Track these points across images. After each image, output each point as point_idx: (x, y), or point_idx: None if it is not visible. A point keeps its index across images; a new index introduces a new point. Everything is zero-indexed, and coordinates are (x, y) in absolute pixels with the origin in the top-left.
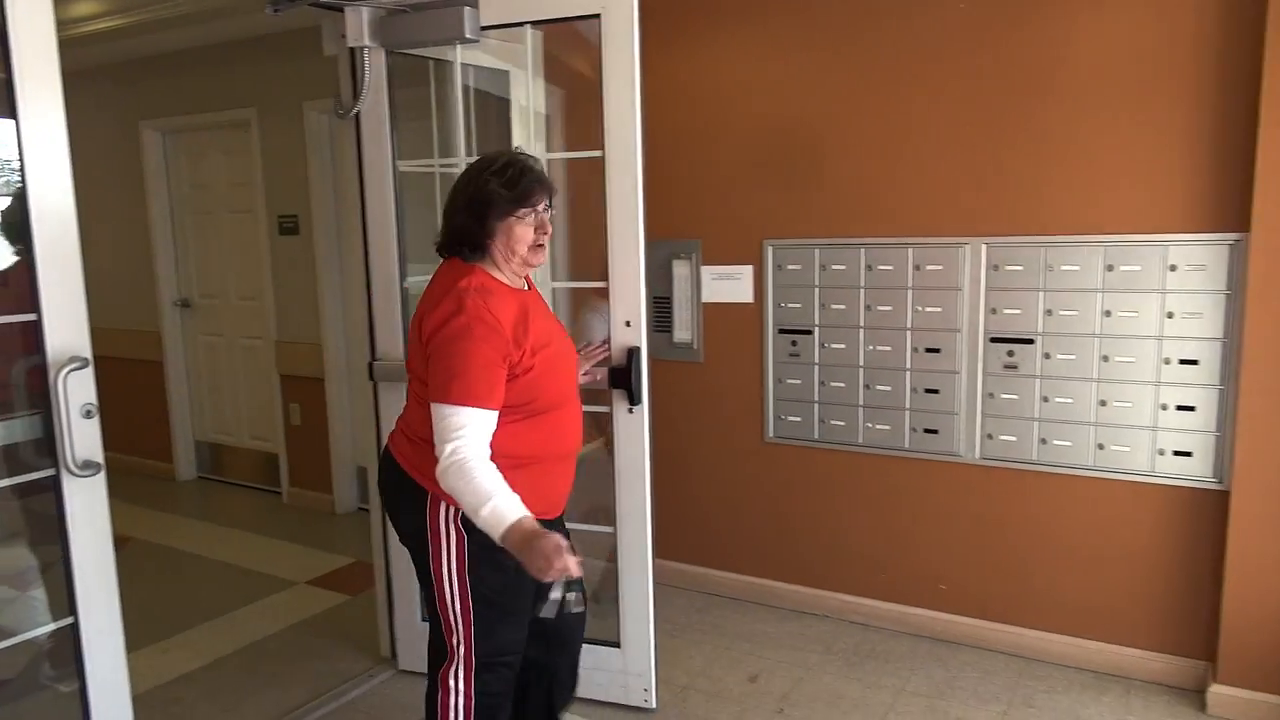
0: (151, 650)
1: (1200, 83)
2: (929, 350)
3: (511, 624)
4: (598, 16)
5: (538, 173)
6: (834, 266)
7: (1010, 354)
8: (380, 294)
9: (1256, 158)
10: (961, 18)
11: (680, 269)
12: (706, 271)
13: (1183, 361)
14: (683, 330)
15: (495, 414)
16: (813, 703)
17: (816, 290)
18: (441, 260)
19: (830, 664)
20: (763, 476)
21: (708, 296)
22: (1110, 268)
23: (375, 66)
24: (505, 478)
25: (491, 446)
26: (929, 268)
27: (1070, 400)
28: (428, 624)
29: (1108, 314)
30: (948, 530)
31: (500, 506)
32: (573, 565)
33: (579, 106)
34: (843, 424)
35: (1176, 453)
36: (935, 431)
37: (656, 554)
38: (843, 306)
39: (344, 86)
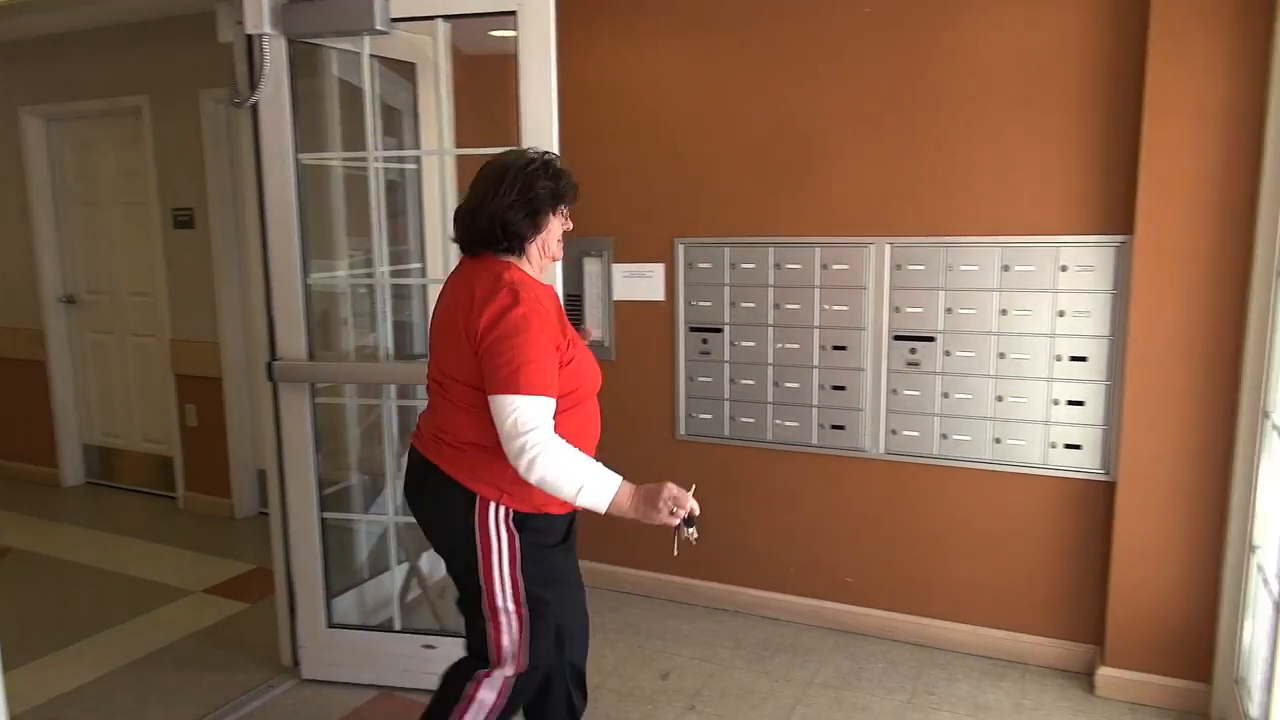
0: (31, 667)
1: (1087, 89)
2: (836, 348)
3: (557, 624)
4: (514, 14)
5: (568, 170)
6: (744, 265)
7: (913, 351)
8: (280, 291)
9: (1139, 162)
10: (866, 21)
11: (591, 267)
12: (618, 269)
13: (1073, 358)
14: (594, 328)
15: (554, 403)
16: (723, 698)
17: (727, 289)
18: (466, 258)
19: (740, 659)
20: (674, 474)
21: (619, 294)
22: (1006, 268)
23: (275, 55)
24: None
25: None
26: (835, 267)
27: (969, 396)
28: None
29: (1004, 312)
30: (854, 524)
31: (601, 480)
32: (694, 502)
33: (484, 102)
34: (752, 421)
35: (1067, 446)
36: (842, 428)
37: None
38: (752, 305)
39: (240, 75)
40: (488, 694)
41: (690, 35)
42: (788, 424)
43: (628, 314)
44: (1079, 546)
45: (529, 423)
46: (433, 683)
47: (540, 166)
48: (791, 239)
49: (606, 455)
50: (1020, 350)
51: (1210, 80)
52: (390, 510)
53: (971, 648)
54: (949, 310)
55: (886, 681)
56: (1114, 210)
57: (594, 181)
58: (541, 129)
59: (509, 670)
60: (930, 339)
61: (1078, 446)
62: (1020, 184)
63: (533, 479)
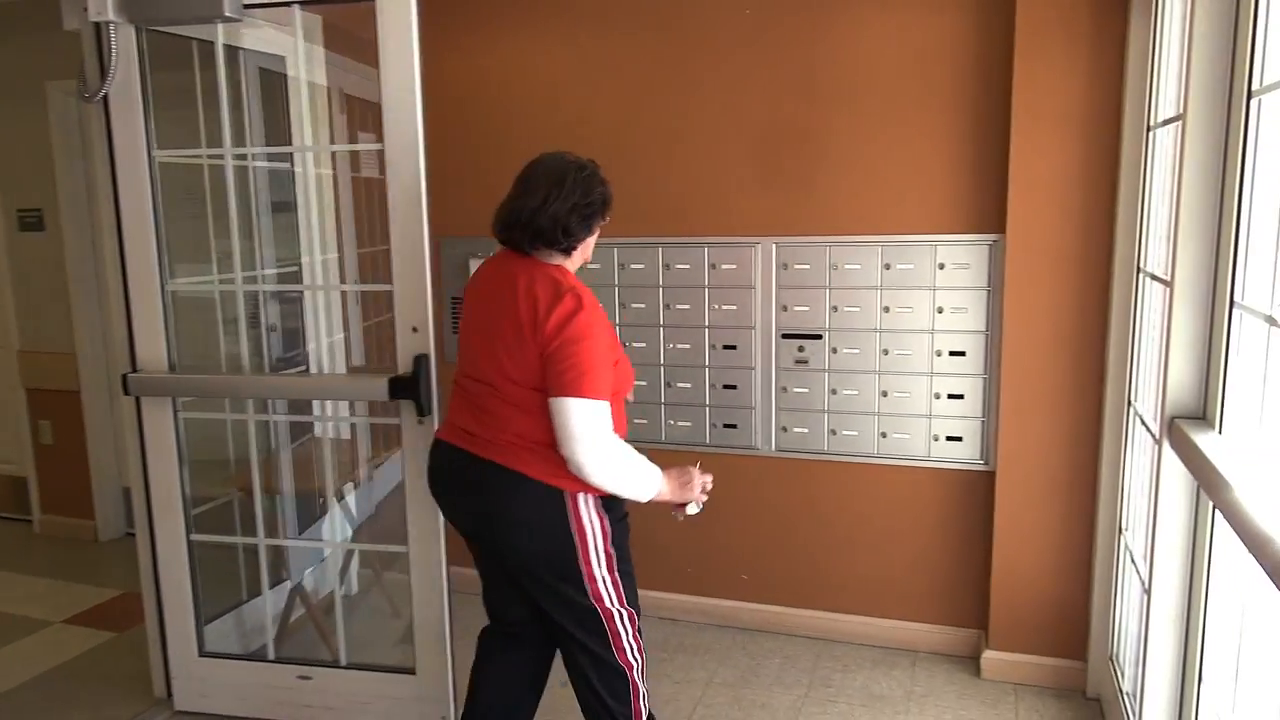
0: None
1: (961, 91)
2: (726, 347)
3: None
4: (372, 1)
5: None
6: (633, 265)
7: (801, 349)
8: (139, 298)
9: (1010, 163)
10: (749, 22)
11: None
12: None
13: (952, 353)
14: None
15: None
16: None
17: (616, 289)
18: (507, 253)
19: None
20: None
21: None
22: (888, 266)
23: (123, 44)
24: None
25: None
26: (724, 266)
27: (856, 392)
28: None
29: (887, 310)
30: (748, 522)
31: (651, 474)
32: (709, 481)
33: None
34: (646, 422)
35: (949, 438)
36: (734, 426)
37: (462, 563)
38: (643, 305)
39: (89, 65)
40: (636, 659)
41: (578, 36)
42: (680, 424)
43: None
44: (963, 535)
45: (597, 424)
46: (309, 716)
47: (592, 172)
48: (681, 239)
49: None
50: (903, 346)
51: (1071, 84)
52: (261, 532)
53: (865, 638)
54: (835, 308)
55: (784, 677)
56: (987, 210)
57: (478, 179)
58: (405, 121)
59: (635, 646)
60: (818, 337)
61: (959, 438)
62: (900, 184)
63: (596, 480)
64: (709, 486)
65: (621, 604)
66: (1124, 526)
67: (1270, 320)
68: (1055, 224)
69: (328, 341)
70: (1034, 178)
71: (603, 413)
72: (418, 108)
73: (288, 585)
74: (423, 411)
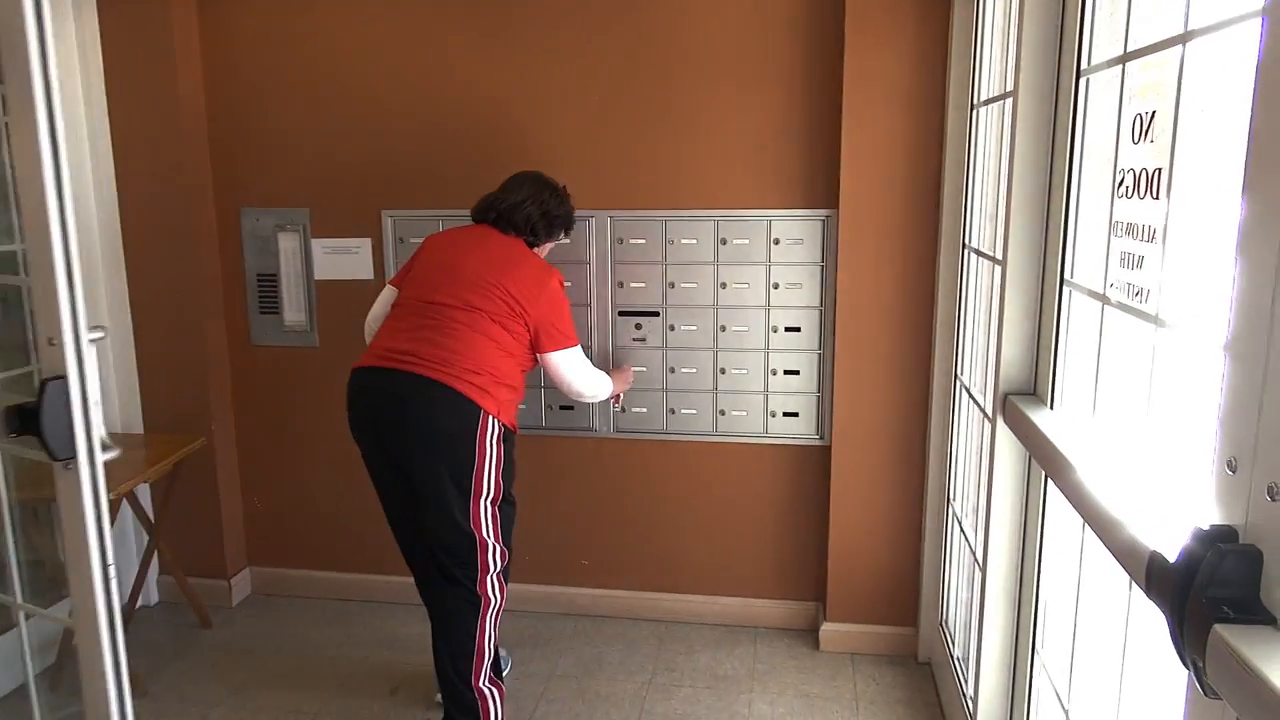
0: None
1: (796, 65)
2: None
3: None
4: None
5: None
6: None
7: (638, 327)
8: None
9: (841, 138)
10: None
11: (287, 242)
12: (318, 245)
13: (788, 329)
14: (294, 311)
15: None
16: None
17: None
18: (488, 226)
19: None
20: None
21: (321, 273)
22: (724, 241)
23: None
24: (509, 400)
25: (514, 380)
26: (559, 241)
27: (694, 370)
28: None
29: (724, 286)
30: (588, 506)
31: (611, 382)
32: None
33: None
34: None
35: (786, 414)
36: (570, 408)
37: (275, 563)
38: None
39: None
40: (493, 589)
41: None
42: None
43: (332, 295)
44: (801, 510)
45: (587, 363)
46: None
47: (564, 196)
48: None
49: (312, 452)
50: (740, 322)
51: (899, 60)
52: None
53: (708, 617)
54: (671, 285)
55: (628, 663)
56: (820, 185)
57: (282, 146)
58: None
59: (499, 559)
60: (655, 314)
61: (795, 414)
62: (735, 158)
63: (589, 398)
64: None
65: (496, 538)
66: (951, 496)
67: (1101, 298)
68: (884, 199)
69: None
70: (864, 153)
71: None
72: (32, 43)
73: None
74: (53, 455)
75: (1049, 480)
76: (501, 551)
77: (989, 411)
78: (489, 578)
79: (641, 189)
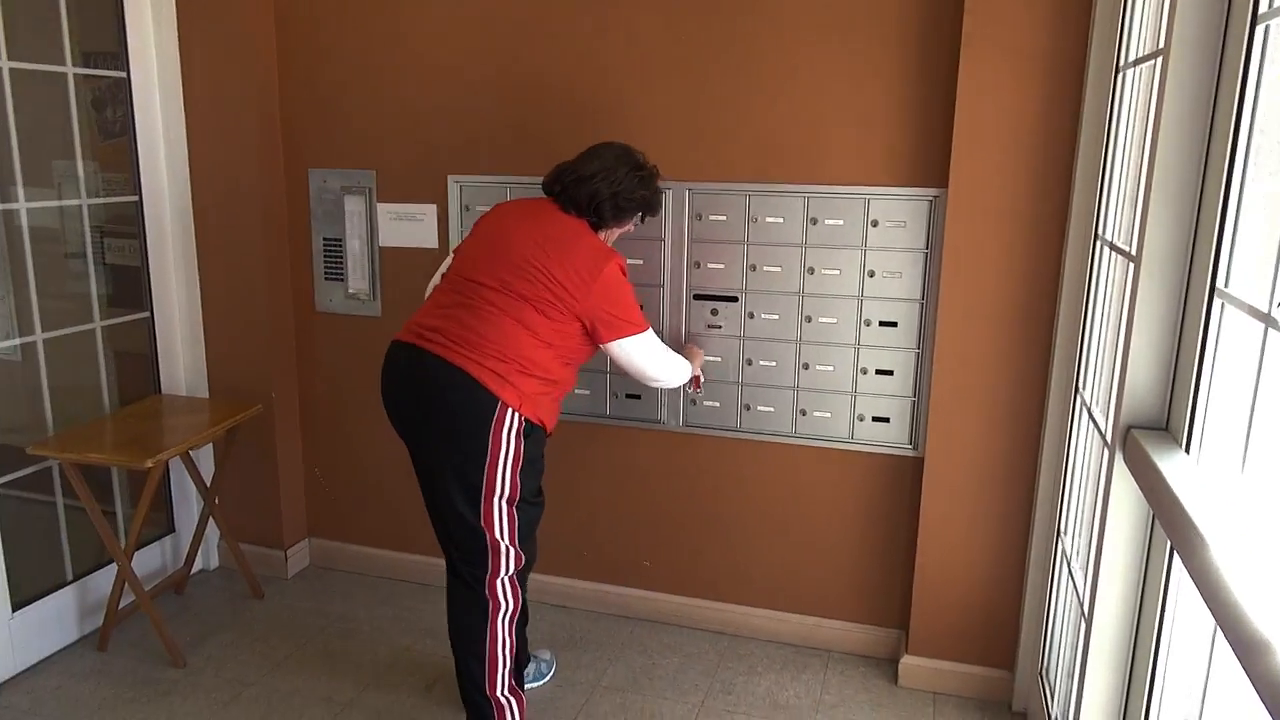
0: None
1: (905, 25)
2: None
3: (535, 523)
4: None
5: (660, 190)
6: None
7: (714, 313)
8: None
9: (955, 106)
10: None
11: (353, 205)
12: (383, 210)
13: (882, 323)
14: (358, 279)
15: None
16: None
17: None
18: (551, 202)
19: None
20: None
21: (386, 240)
22: (814, 221)
23: None
24: (543, 394)
25: (550, 372)
26: None
27: (774, 363)
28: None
29: (811, 271)
30: (651, 503)
31: (682, 360)
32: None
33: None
34: None
35: (875, 419)
36: (638, 397)
37: (334, 536)
38: None
39: None
40: (505, 592)
41: None
42: (579, 391)
43: (396, 263)
44: (886, 527)
45: (658, 348)
46: None
47: (646, 177)
48: None
49: (372, 425)
50: (827, 313)
51: (1029, 9)
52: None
53: (775, 635)
54: (753, 267)
55: (681, 680)
56: (928, 161)
57: (347, 100)
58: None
59: (513, 563)
60: (733, 299)
61: (886, 420)
62: (831, 127)
63: (664, 384)
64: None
65: (511, 540)
66: (1062, 530)
67: (1265, 318)
68: (1003, 178)
69: None
70: (982, 124)
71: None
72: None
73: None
74: None
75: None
76: (516, 555)
77: (1108, 438)
78: (499, 580)
79: (724, 159)
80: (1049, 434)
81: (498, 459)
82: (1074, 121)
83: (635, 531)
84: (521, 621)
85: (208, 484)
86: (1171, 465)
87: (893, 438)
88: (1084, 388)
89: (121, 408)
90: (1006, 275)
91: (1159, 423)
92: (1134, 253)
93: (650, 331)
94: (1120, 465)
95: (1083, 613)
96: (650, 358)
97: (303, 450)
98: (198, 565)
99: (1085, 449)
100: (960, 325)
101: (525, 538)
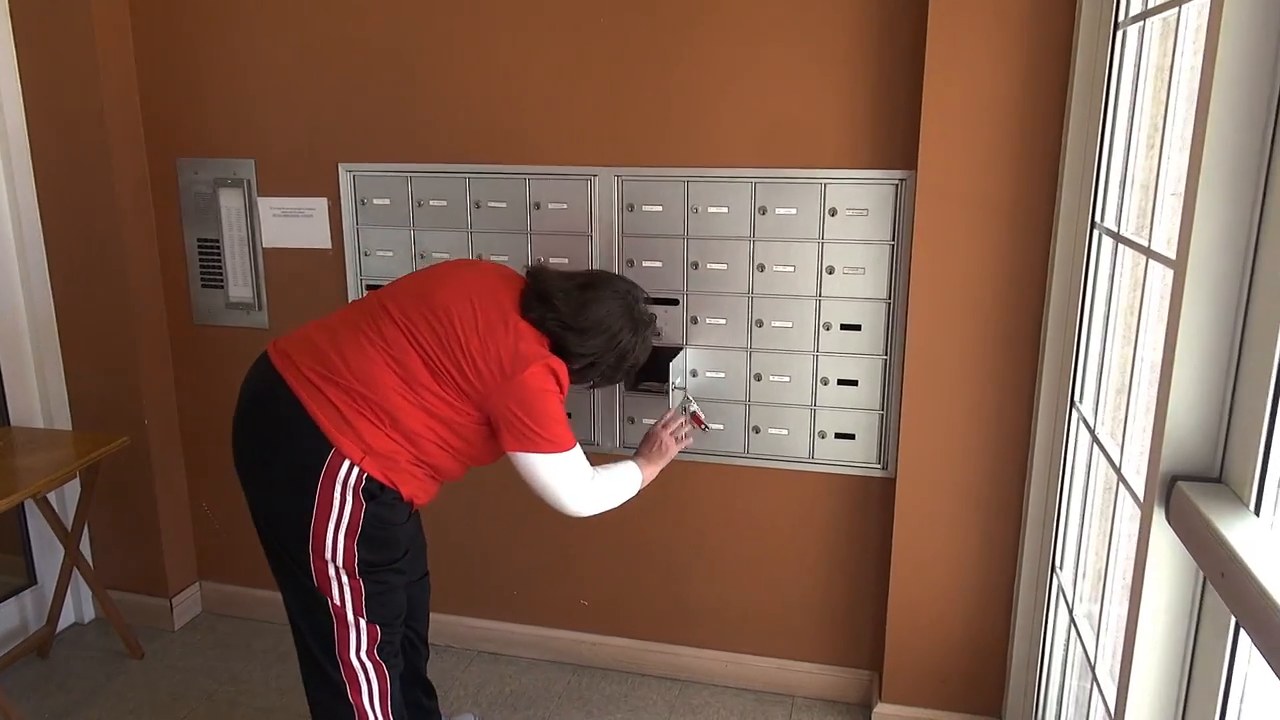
0: None
1: None
2: None
3: (399, 591)
4: None
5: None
6: (433, 202)
7: (656, 330)
8: None
9: (925, 73)
10: None
11: (229, 200)
12: (265, 205)
13: (844, 327)
14: (239, 286)
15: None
16: None
17: (412, 234)
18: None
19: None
20: None
21: (270, 240)
22: (763, 210)
23: None
24: (414, 472)
25: (421, 435)
26: (552, 206)
27: (721, 374)
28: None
29: (761, 269)
30: (586, 534)
31: (630, 474)
32: (692, 406)
33: None
34: None
35: (838, 435)
36: (569, 415)
37: (229, 579)
38: (446, 254)
39: None
40: (362, 661)
41: None
42: None
43: (284, 267)
44: (853, 556)
45: (579, 473)
46: None
47: (649, 332)
48: (493, 168)
49: None
50: (781, 316)
51: None
52: None
53: (733, 679)
54: (694, 265)
55: None
56: (893, 138)
57: (218, 77)
58: None
59: (366, 637)
60: (673, 302)
61: (850, 436)
62: (780, 99)
63: (584, 514)
64: (697, 412)
65: (359, 612)
66: (1058, 564)
67: None
68: (981, 157)
69: None
70: (955, 94)
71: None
72: None
73: None
74: None
75: (1252, 647)
76: (369, 629)
77: (1138, 492)
78: (351, 655)
79: (658, 140)
80: (1038, 452)
81: (327, 517)
82: (1063, 90)
83: (569, 565)
84: (424, 693)
85: (68, 529)
86: (1242, 531)
87: (859, 456)
88: (1080, 400)
89: None
90: (987, 269)
91: (1210, 472)
92: (1169, 253)
93: (575, 453)
94: (1161, 523)
95: (1109, 712)
96: (566, 483)
97: (188, 483)
98: (70, 619)
99: (1088, 472)
100: (934, 327)
101: (382, 612)
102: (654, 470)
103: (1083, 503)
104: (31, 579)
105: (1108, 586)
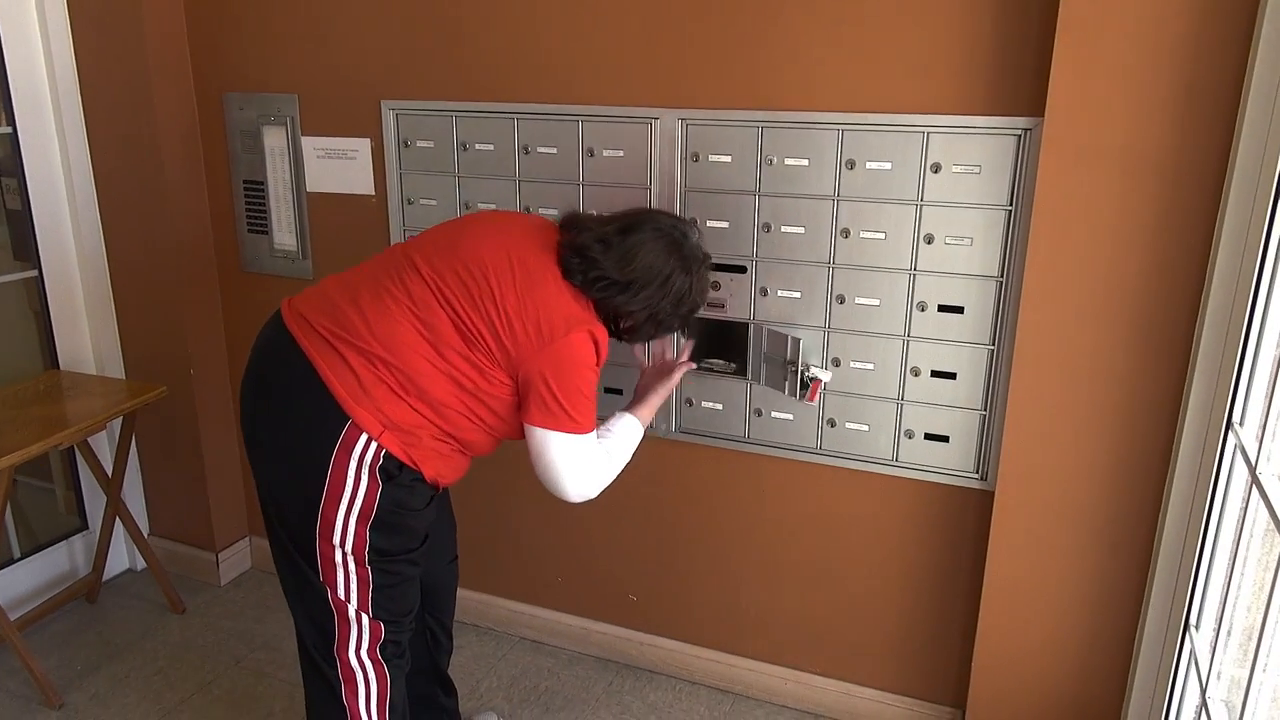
0: None
1: None
2: None
3: (412, 583)
4: None
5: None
6: (479, 146)
7: (716, 286)
8: None
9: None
10: None
11: (272, 139)
12: (309, 145)
13: (943, 308)
14: (283, 233)
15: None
16: None
17: (457, 181)
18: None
19: (474, 710)
20: None
21: (314, 184)
22: (850, 164)
23: None
24: (440, 448)
25: (450, 408)
26: (606, 153)
27: None
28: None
29: (845, 234)
30: (637, 523)
31: (630, 426)
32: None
33: None
34: None
35: (929, 436)
36: (619, 392)
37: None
38: (493, 204)
39: None
40: (362, 661)
41: None
42: None
43: (327, 213)
44: (940, 577)
45: (589, 457)
46: None
47: (694, 283)
48: (542, 109)
49: None
50: (867, 292)
51: None
52: None
53: (791, 699)
54: (766, 228)
55: None
56: (1017, 76)
57: (260, 6)
58: None
59: (369, 634)
60: (740, 269)
61: (944, 438)
62: (874, 31)
63: (573, 498)
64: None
65: (362, 605)
66: (1194, 621)
67: None
68: (1131, 102)
69: None
70: (1100, 15)
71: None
72: None
73: None
74: None
75: None
76: (373, 625)
77: None
78: (351, 655)
79: (727, 76)
80: (1179, 480)
81: (338, 497)
82: (1250, 11)
83: (618, 557)
84: (442, 690)
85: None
86: None
87: (952, 462)
88: (1240, 424)
89: (3, 387)
90: (1129, 246)
91: None
92: None
93: (591, 438)
94: None
95: None
96: (575, 466)
97: (239, 434)
98: (124, 564)
99: (1243, 512)
100: (1055, 315)
101: (389, 607)
102: (651, 413)
103: (1233, 549)
104: (83, 524)
105: (1261, 652)
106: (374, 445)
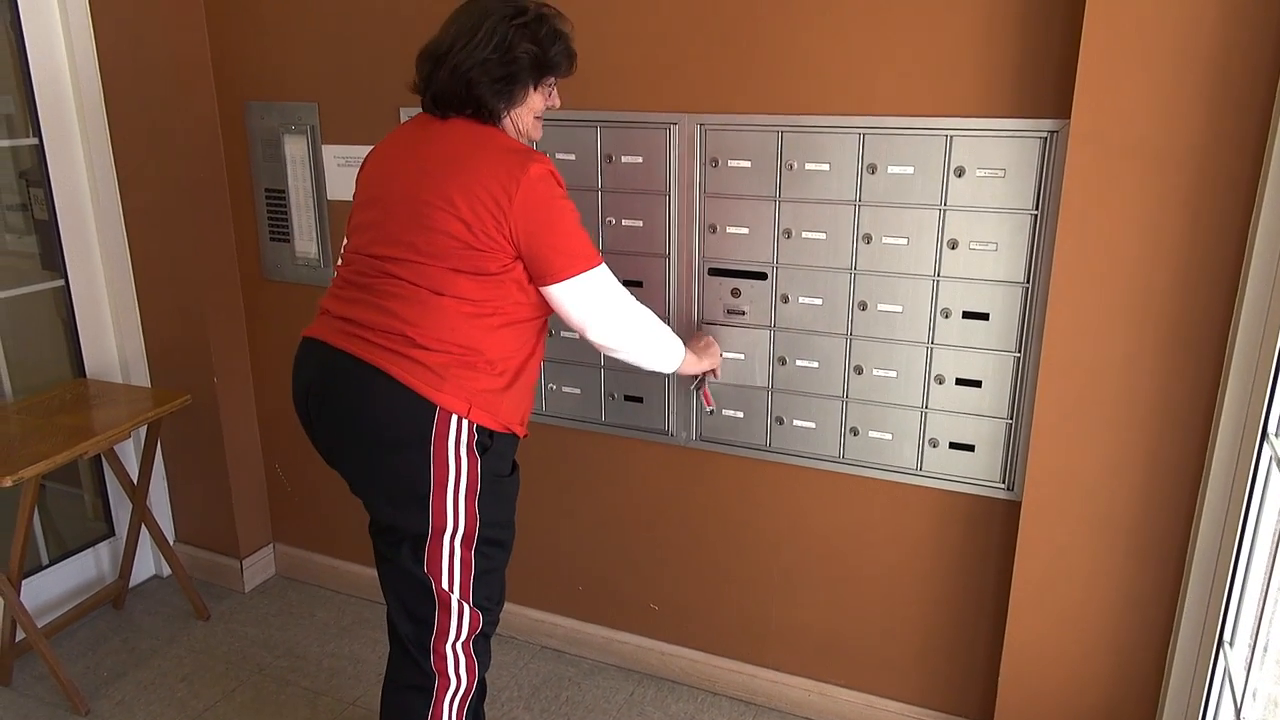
0: None
1: None
2: (629, 283)
3: (502, 573)
4: None
5: (566, 32)
6: None
7: (736, 294)
8: None
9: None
10: None
11: (293, 148)
12: (329, 154)
13: (968, 315)
14: (304, 240)
15: None
16: None
17: None
18: (428, 116)
19: (497, 717)
20: None
21: (335, 192)
22: (872, 169)
23: None
24: (504, 387)
25: (504, 351)
26: (625, 160)
27: (815, 364)
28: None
29: (867, 240)
30: (659, 534)
31: (680, 344)
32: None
33: None
34: None
35: (954, 445)
36: (639, 400)
37: (302, 544)
38: None
39: None
40: (458, 655)
41: None
42: (566, 390)
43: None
44: (965, 589)
45: (617, 291)
46: None
47: (530, 22)
48: (561, 115)
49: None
50: (890, 298)
51: None
52: None
53: (814, 711)
54: (787, 233)
55: None
56: (1042, 78)
57: (286, 15)
58: None
59: (469, 625)
60: (760, 276)
61: (969, 447)
62: (896, 32)
63: (636, 355)
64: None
65: (464, 594)
66: (1228, 638)
67: None
68: (1161, 103)
69: None
70: (1125, 19)
71: (609, 275)
72: None
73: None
74: None
75: None
76: (472, 614)
77: None
78: (448, 647)
79: (746, 79)
80: (1212, 492)
81: (445, 485)
82: None
83: (639, 566)
84: (478, 697)
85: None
86: None
87: (978, 472)
88: (1277, 434)
89: (28, 396)
90: (1159, 249)
91: None
92: None
93: (605, 268)
94: None
95: None
96: (609, 299)
97: (261, 444)
98: (150, 571)
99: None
100: (1083, 321)
101: (486, 593)
102: (694, 361)
103: (1269, 563)
104: (110, 530)
105: None
106: (465, 424)
